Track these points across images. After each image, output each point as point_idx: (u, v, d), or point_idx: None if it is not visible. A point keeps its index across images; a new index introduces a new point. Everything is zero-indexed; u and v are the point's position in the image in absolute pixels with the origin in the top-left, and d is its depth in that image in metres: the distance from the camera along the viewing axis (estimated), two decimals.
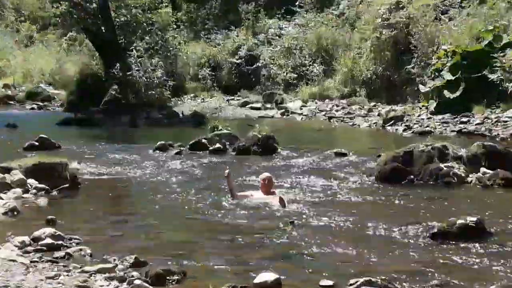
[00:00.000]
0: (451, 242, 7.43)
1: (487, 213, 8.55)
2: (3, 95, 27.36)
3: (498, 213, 8.87)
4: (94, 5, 22.65)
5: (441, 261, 6.80)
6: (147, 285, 5.93)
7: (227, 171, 9.93)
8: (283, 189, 10.53)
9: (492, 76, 17.07)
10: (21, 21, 34.07)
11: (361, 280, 5.65)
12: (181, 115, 21.10)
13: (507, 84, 16.61)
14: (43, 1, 27.42)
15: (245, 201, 9.77)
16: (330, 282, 5.92)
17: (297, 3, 28.16)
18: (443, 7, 21.41)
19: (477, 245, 7.28)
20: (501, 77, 16.82)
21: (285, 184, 11.11)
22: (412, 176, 11.13)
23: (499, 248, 7.23)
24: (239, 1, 29.48)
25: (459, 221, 7.64)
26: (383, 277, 5.92)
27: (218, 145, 14.88)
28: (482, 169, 11.06)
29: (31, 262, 6.66)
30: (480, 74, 17.47)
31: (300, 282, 6.18)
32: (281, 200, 9.38)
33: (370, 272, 6.08)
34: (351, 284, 5.62)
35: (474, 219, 7.68)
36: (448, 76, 18.32)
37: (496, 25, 18.41)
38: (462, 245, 7.31)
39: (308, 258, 7.09)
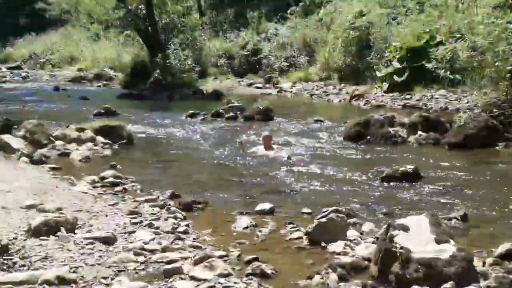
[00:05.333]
0: (395, 183, 8.13)
1: (420, 163, 9.14)
2: (78, 76, 28.23)
3: (428, 163, 9.57)
4: (143, 11, 23.86)
5: (388, 196, 7.52)
6: (179, 211, 6.64)
7: (240, 140, 11.05)
8: (278, 145, 11.01)
9: (428, 65, 17.57)
10: (91, 22, 35.04)
11: (331, 209, 6.01)
12: (204, 92, 21.45)
13: (438, 71, 17.09)
14: (108, 9, 28.54)
15: (252, 154, 10.43)
16: (309, 210, 6.66)
17: (288, 11, 29.11)
18: (393, 15, 22.07)
19: (413, 184, 8.04)
20: (435, 66, 17.26)
21: (280, 141, 11.60)
22: (369, 137, 11.66)
23: (428, 187, 7.93)
24: (247, 9, 30.58)
25: (401, 168, 8.37)
26: (347, 207, 6.61)
27: (231, 114, 15.49)
28: (419, 132, 11.56)
29: (98, 194, 7.40)
30: (420, 64, 18.07)
31: (288, 210, 6.86)
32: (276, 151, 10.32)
33: (338, 204, 6.61)
34: (323, 212, 5.94)
35: (412, 167, 8.45)
36: (397, 65, 18.82)
37: (431, 29, 18.94)
38: (403, 185, 8.02)
39: (294, 193, 7.75)
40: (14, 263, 4.84)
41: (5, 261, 4.83)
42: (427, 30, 19.34)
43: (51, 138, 10.95)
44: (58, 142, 10.87)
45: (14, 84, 26.25)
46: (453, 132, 11.20)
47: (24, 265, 4.82)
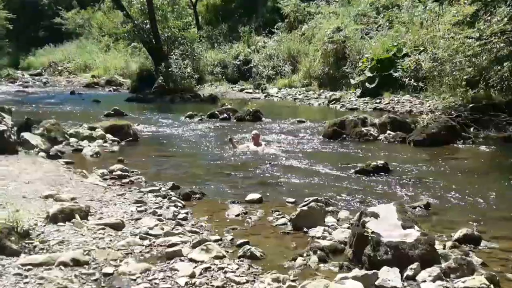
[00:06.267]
0: (368, 175, 8.17)
1: (390, 158, 9.27)
2: (91, 82, 28.50)
3: (396, 158, 9.63)
4: (148, 26, 23.93)
5: (361, 187, 7.49)
6: (179, 200, 6.64)
7: (229, 136, 10.88)
8: (266, 142, 11.06)
9: (396, 74, 17.88)
10: (102, 35, 35.22)
11: (311, 198, 6.17)
12: (202, 96, 21.58)
13: (404, 79, 17.37)
14: (116, 23, 28.81)
15: (243, 150, 10.37)
16: (292, 200, 6.71)
17: (275, 26, 29.41)
18: (366, 30, 22.42)
19: (383, 177, 8.11)
20: (401, 74, 17.57)
21: (267, 139, 11.61)
22: (344, 135, 11.78)
23: (396, 179, 7.96)
24: (239, 24, 30.79)
25: (373, 163, 8.48)
26: (325, 197, 6.67)
27: (225, 115, 15.61)
28: (388, 131, 11.67)
29: (107, 185, 7.29)
30: (388, 73, 18.30)
31: (274, 199, 6.85)
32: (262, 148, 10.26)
33: (318, 195, 6.65)
34: (305, 201, 6.05)
35: (382, 161, 8.58)
36: (369, 74, 19.00)
37: (398, 43, 19.04)
38: (374, 177, 8.08)
39: (279, 185, 7.70)
40: (35, 246, 4.75)
41: (27, 245, 4.73)
42: (395, 44, 19.51)
43: (66, 135, 10.89)
44: (72, 139, 10.82)
45: (35, 89, 26.15)
46: (417, 132, 11.21)
47: (43, 248, 4.72)
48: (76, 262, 4.40)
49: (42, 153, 9.23)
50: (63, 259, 4.41)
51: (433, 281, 4.12)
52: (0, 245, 4.49)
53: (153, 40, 24.20)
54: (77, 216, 5.51)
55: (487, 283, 4.05)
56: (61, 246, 4.82)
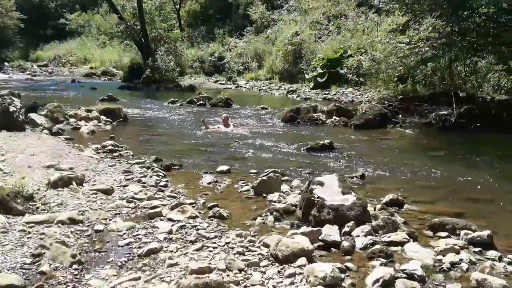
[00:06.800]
0: (316, 152, 8.15)
1: (334, 138, 9.09)
2: (90, 72, 27.76)
3: (339, 138, 9.51)
4: (138, 27, 23.41)
5: (311, 161, 7.49)
6: (161, 170, 6.55)
7: (202, 118, 10.68)
8: (235, 124, 10.90)
9: (341, 71, 17.89)
10: (100, 34, 34.47)
11: (270, 170, 6.12)
12: (183, 86, 21.25)
13: (348, 75, 17.43)
14: (112, 24, 28.30)
15: (214, 130, 10.24)
16: (255, 171, 6.67)
17: (245, 30, 29.21)
18: (319, 35, 22.45)
19: (328, 153, 8.09)
20: (346, 71, 17.63)
21: (236, 122, 11.42)
22: (299, 120, 11.66)
23: (338, 155, 7.97)
24: (215, 27, 30.45)
25: (321, 142, 8.45)
26: (282, 169, 6.57)
27: (201, 101, 15.38)
28: (334, 117, 11.68)
29: (100, 158, 7.21)
30: (336, 70, 18.29)
31: (240, 171, 6.77)
32: (232, 128, 10.16)
33: (276, 167, 6.56)
34: (265, 172, 6.01)
35: (328, 141, 8.50)
36: (320, 70, 18.89)
37: (345, 46, 19.04)
38: (321, 153, 8.04)
39: (244, 159, 7.62)
40: (37, 207, 4.69)
41: (30, 206, 4.67)
42: (342, 46, 19.57)
43: (67, 116, 10.66)
44: (72, 119, 10.61)
45: (42, 77, 25.38)
46: (357, 117, 11.28)
47: (44, 209, 4.66)
48: (72, 221, 4.35)
49: (45, 131, 9.06)
50: (61, 218, 4.35)
51: (365, 236, 4.19)
52: (8, 206, 4.43)
53: (142, 39, 23.78)
54: (74, 183, 5.44)
55: (408, 237, 4.17)
56: (59, 208, 4.75)
